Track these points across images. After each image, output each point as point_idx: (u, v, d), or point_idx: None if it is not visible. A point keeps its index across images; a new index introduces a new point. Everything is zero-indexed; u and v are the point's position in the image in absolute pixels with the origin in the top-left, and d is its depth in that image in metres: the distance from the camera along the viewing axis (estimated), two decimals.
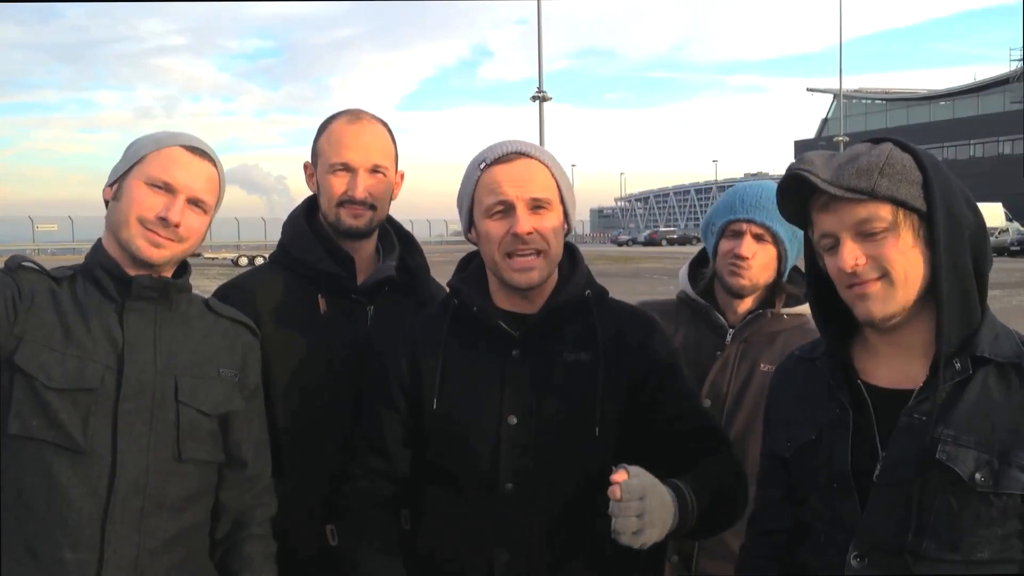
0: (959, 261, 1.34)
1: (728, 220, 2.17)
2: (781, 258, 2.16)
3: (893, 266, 1.34)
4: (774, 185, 2.17)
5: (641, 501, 1.43)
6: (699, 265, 2.34)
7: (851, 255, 1.34)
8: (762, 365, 2.14)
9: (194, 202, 1.75)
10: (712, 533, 1.72)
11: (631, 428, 1.73)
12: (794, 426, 1.49)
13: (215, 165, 1.81)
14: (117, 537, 1.62)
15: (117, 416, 1.64)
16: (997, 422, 1.30)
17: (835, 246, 1.38)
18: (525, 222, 1.69)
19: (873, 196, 1.32)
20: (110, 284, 1.71)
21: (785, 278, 2.20)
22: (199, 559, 1.78)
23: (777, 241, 2.14)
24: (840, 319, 1.47)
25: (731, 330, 2.19)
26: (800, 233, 2.14)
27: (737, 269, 2.14)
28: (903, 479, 1.33)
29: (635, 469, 1.46)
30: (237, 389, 1.82)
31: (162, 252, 1.73)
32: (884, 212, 1.33)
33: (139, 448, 1.65)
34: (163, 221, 1.70)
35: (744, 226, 2.14)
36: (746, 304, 2.21)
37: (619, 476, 1.42)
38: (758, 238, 2.13)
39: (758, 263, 2.13)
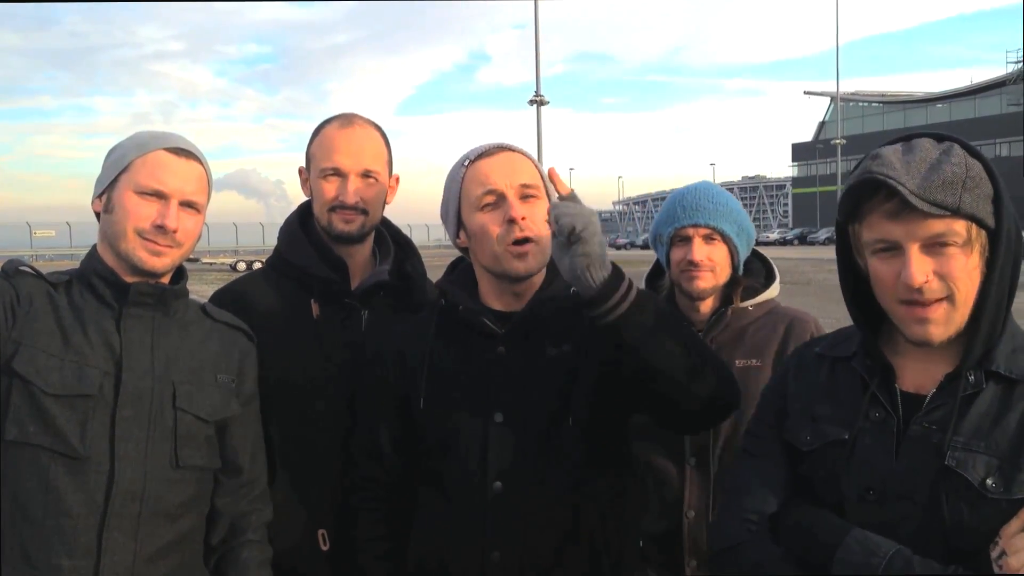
0: (1004, 278, 1.31)
1: (676, 228, 2.17)
2: (733, 254, 2.17)
3: (959, 286, 1.28)
4: (711, 185, 2.21)
5: (575, 203, 1.53)
6: (657, 277, 2.35)
7: (921, 270, 1.27)
8: (737, 361, 2.14)
9: (187, 204, 1.74)
10: (658, 352, 1.54)
11: (610, 406, 1.73)
12: (820, 422, 1.43)
13: (201, 163, 1.79)
14: (114, 544, 1.61)
15: (115, 423, 1.63)
16: (1005, 430, 1.28)
17: (889, 250, 1.31)
18: (519, 208, 1.69)
19: (957, 213, 1.26)
20: (107, 291, 1.70)
21: (740, 271, 2.21)
22: (194, 565, 1.78)
23: (725, 238, 2.15)
24: (868, 313, 1.42)
25: (699, 334, 2.16)
26: (746, 226, 2.19)
27: (693, 274, 2.14)
28: (916, 488, 1.30)
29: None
30: (234, 395, 1.82)
31: (163, 260, 1.72)
32: (960, 228, 1.27)
33: (137, 455, 1.65)
34: (160, 229, 1.70)
35: (691, 231, 2.14)
36: (708, 305, 2.21)
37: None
38: (707, 239, 2.14)
39: (713, 264, 2.14)
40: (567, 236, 1.49)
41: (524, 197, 1.71)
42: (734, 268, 2.20)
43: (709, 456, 2.11)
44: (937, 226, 1.26)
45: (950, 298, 1.29)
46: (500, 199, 1.71)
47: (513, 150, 1.76)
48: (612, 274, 1.51)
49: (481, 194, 1.71)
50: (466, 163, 1.76)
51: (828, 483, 1.39)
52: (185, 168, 1.74)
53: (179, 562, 1.72)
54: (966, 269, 1.28)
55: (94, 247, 1.77)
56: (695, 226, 2.14)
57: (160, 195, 1.71)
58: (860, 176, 1.31)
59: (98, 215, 1.77)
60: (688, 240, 2.15)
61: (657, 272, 2.36)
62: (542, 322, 1.76)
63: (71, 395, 1.61)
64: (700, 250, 2.13)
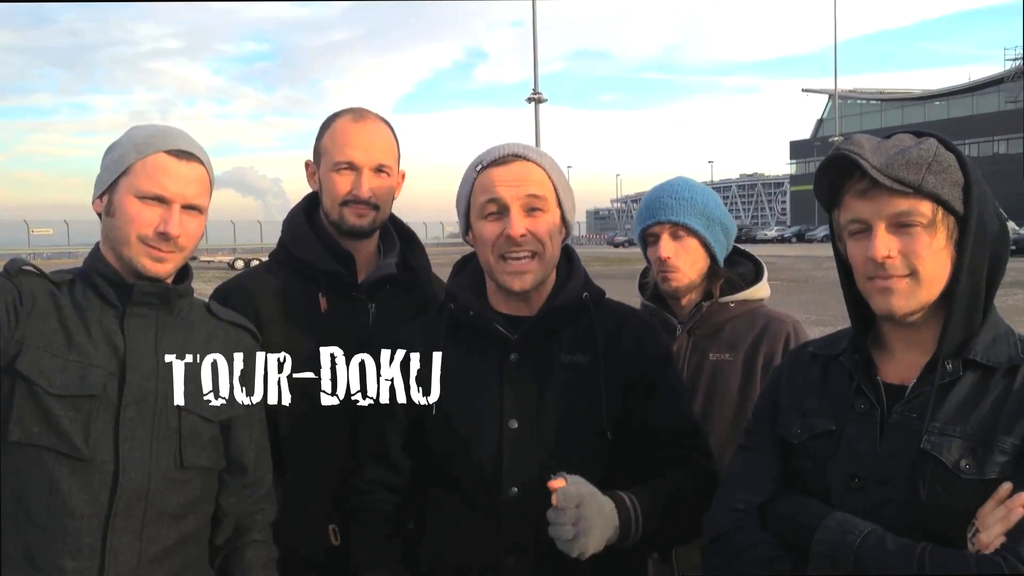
0: (978, 267, 1.35)
1: (644, 227, 2.21)
2: (707, 247, 2.19)
3: (922, 264, 1.34)
4: (680, 180, 2.25)
5: (577, 509, 1.49)
6: (647, 274, 2.39)
7: (884, 244, 1.33)
8: (711, 355, 2.17)
9: (189, 207, 1.72)
10: (668, 547, 1.71)
11: (625, 428, 1.73)
12: (809, 415, 1.48)
13: (202, 162, 1.75)
14: (119, 545, 1.60)
15: (119, 423, 1.62)
16: (980, 414, 1.32)
17: (862, 231, 1.37)
18: (519, 224, 1.68)
19: (919, 191, 1.31)
20: (110, 291, 1.69)
21: (720, 264, 2.22)
22: (199, 566, 1.77)
23: (693, 232, 2.16)
24: (864, 309, 1.46)
25: (680, 326, 2.22)
26: (718, 217, 2.21)
27: (664, 272, 2.18)
28: (896, 473, 1.34)
29: (574, 478, 1.52)
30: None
31: (166, 266, 1.71)
32: (925, 208, 1.32)
33: (141, 455, 1.64)
34: (163, 236, 1.68)
35: (657, 229, 2.18)
36: (691, 299, 2.23)
37: (557, 483, 1.50)
38: (675, 236, 2.17)
39: (683, 260, 2.16)
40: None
41: (530, 210, 1.70)
42: (713, 261, 2.21)
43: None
44: (901, 204, 1.33)
45: (913, 274, 1.35)
46: (503, 210, 1.70)
47: (528, 159, 1.73)
48: (619, 536, 1.56)
49: (485, 201, 1.71)
50: (479, 168, 1.74)
51: (816, 473, 1.44)
52: (186, 171, 1.71)
53: (183, 563, 1.71)
54: (931, 249, 1.34)
55: (97, 246, 1.76)
56: (659, 224, 2.17)
57: (162, 200, 1.68)
58: (830, 154, 1.38)
59: (99, 215, 1.76)
60: (657, 238, 2.19)
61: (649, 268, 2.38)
62: (554, 329, 1.76)
63: (75, 395, 1.60)
64: (667, 247, 2.16)
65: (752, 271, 2.30)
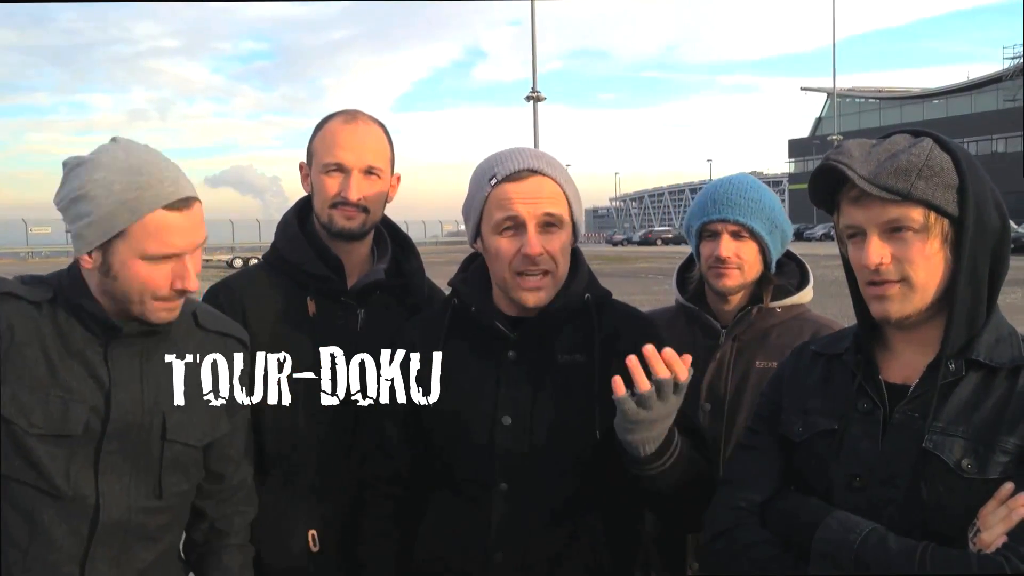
0: (978, 268, 1.35)
1: (703, 222, 2.12)
2: (764, 251, 2.11)
3: (915, 270, 1.34)
4: (746, 179, 2.15)
5: (658, 398, 1.50)
6: (688, 269, 2.31)
7: (876, 252, 1.34)
8: (757, 362, 2.08)
9: (196, 247, 1.65)
10: (679, 506, 1.65)
11: None
12: (811, 414, 1.48)
13: (197, 198, 1.64)
14: (95, 573, 1.62)
15: (100, 457, 1.61)
16: (982, 415, 1.33)
17: (857, 236, 1.38)
18: (536, 243, 1.68)
19: (908, 198, 1.32)
20: (95, 326, 1.63)
21: (772, 270, 2.15)
22: (172, 569, 1.79)
23: (755, 235, 2.09)
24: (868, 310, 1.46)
25: (723, 330, 2.15)
26: (780, 223, 2.14)
27: (720, 271, 2.09)
28: (898, 472, 1.34)
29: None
30: (225, 413, 1.76)
31: (176, 313, 1.66)
32: (916, 214, 1.33)
33: (121, 488, 1.63)
34: (180, 292, 1.62)
35: (719, 226, 2.09)
36: (736, 301, 2.15)
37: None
38: (736, 236, 2.08)
39: (741, 261, 2.08)
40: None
41: (545, 226, 1.70)
42: (766, 266, 2.13)
43: (719, 460, 2.04)
44: (892, 211, 1.33)
45: (905, 280, 1.35)
46: (519, 227, 1.70)
47: (543, 174, 1.71)
48: (659, 447, 1.55)
49: (501, 219, 1.70)
50: (492, 181, 1.72)
51: (817, 472, 1.44)
52: (189, 220, 1.60)
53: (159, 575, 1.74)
54: (923, 254, 1.34)
55: (79, 269, 1.65)
56: (723, 221, 2.08)
57: (173, 256, 1.60)
58: (820, 163, 1.39)
59: (83, 266, 1.64)
60: (717, 235, 2.10)
61: (689, 263, 2.31)
62: (554, 329, 1.76)
63: (55, 435, 1.57)
64: (728, 246, 2.07)
65: (797, 275, 2.22)
